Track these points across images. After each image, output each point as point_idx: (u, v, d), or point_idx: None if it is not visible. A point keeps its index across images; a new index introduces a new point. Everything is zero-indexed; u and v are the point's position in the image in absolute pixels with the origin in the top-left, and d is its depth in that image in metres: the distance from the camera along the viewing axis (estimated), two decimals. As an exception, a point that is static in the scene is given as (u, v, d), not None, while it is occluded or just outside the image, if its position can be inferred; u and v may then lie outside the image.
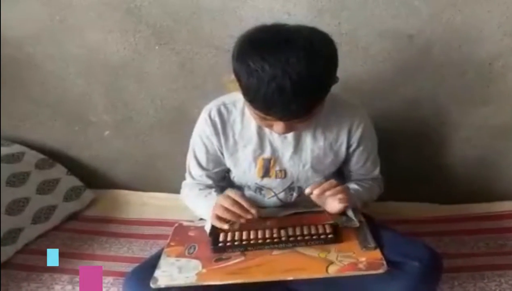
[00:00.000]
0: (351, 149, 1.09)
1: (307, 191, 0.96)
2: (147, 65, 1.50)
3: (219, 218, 0.97)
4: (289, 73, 0.80)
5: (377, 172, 1.16)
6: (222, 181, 1.18)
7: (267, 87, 0.81)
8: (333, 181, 0.97)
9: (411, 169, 1.52)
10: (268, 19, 1.30)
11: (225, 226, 0.97)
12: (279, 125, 0.90)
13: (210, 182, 1.14)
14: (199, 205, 1.10)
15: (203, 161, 1.13)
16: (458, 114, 1.44)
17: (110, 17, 1.44)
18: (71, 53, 1.52)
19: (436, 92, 1.41)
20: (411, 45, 1.34)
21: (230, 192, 0.99)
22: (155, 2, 1.39)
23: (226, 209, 0.96)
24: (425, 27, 1.31)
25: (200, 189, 1.13)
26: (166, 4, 1.39)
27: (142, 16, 1.42)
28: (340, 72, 1.36)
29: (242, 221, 0.96)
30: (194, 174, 1.15)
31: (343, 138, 1.07)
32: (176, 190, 1.23)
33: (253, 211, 0.95)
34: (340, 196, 0.95)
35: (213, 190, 1.12)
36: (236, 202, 0.96)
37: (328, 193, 0.95)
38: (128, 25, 1.44)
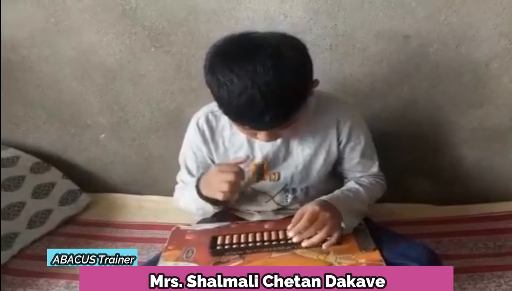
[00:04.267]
0: (342, 145, 1.07)
1: (289, 234, 0.93)
2: (143, 68, 1.49)
3: (231, 192, 0.95)
4: (257, 83, 0.79)
5: (375, 168, 1.13)
6: None
7: (238, 100, 0.80)
8: (308, 212, 0.93)
9: (408, 170, 1.53)
10: (263, 21, 1.34)
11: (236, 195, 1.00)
12: (262, 134, 0.90)
13: None
14: (189, 197, 1.07)
15: (193, 169, 1.12)
16: (454, 115, 1.44)
17: (105, 19, 1.43)
18: (66, 56, 1.51)
19: (433, 93, 1.40)
20: (408, 46, 1.34)
21: (218, 166, 0.99)
22: (150, 4, 1.38)
23: (230, 182, 0.93)
24: (422, 28, 1.31)
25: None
26: (161, 6, 1.38)
27: (138, 18, 1.41)
28: (336, 73, 1.38)
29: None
30: (186, 180, 1.14)
31: (332, 135, 1.05)
32: (173, 193, 1.22)
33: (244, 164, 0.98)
34: (322, 234, 0.91)
35: None
36: (233, 169, 0.95)
37: (309, 232, 0.92)
38: (123, 27, 1.43)
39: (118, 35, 1.45)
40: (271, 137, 0.93)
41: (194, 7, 1.37)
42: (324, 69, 1.37)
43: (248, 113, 0.83)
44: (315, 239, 0.91)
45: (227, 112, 0.87)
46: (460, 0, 1.26)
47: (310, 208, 0.93)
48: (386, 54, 1.35)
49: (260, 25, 1.33)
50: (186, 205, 1.11)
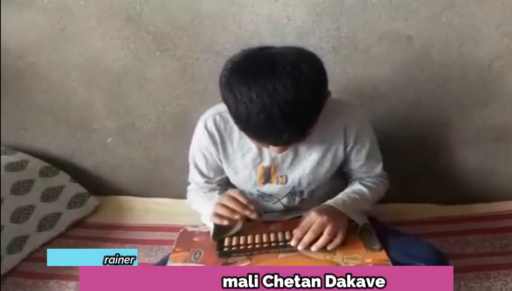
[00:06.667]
0: (349, 148, 1.08)
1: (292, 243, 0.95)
2: (148, 72, 1.51)
3: (218, 215, 0.98)
4: (277, 102, 0.78)
5: (379, 168, 1.14)
6: (228, 186, 1.18)
7: (257, 118, 0.80)
8: (303, 221, 0.96)
9: (414, 170, 1.53)
10: (267, 24, 1.35)
11: (225, 222, 0.97)
12: (275, 148, 0.92)
13: (214, 185, 1.16)
14: (203, 208, 1.10)
15: (204, 170, 1.14)
16: (458, 116, 1.45)
17: (110, 25, 1.45)
18: (73, 61, 1.53)
19: (436, 93, 1.41)
20: (410, 47, 1.34)
21: (230, 191, 1.00)
22: (155, 9, 1.40)
23: (223, 205, 0.97)
24: (424, 28, 1.31)
25: (204, 192, 1.14)
26: (166, 10, 1.40)
27: (143, 23, 1.43)
28: (340, 75, 1.39)
29: (236, 217, 0.96)
30: (198, 181, 1.16)
31: (340, 139, 1.06)
32: (180, 195, 1.24)
33: (251, 207, 0.96)
34: (324, 236, 0.93)
35: (217, 192, 1.12)
36: (233, 198, 0.97)
37: (308, 237, 0.93)
38: (128, 32, 1.45)
39: (123, 40, 1.46)
40: (283, 150, 0.95)
41: (198, 12, 1.38)
42: (327, 72, 1.36)
43: (267, 131, 0.83)
44: (319, 242, 0.93)
45: (244, 129, 0.87)
46: (462, 0, 1.26)
47: (306, 216, 0.97)
48: (389, 55, 1.36)
49: (264, 29, 1.35)
50: (197, 209, 1.14)
